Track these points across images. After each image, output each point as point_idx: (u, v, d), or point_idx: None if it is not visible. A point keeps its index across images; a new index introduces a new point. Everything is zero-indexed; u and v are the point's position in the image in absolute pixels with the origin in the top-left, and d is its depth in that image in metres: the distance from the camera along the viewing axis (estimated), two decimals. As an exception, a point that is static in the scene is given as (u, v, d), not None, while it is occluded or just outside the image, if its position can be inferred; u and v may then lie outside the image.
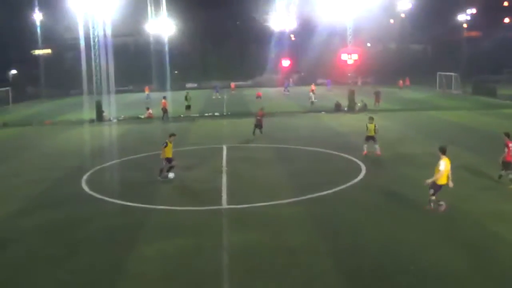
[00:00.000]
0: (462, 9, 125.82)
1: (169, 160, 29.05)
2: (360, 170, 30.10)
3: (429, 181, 21.32)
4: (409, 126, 48.75)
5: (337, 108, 63.43)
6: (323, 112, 61.66)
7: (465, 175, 27.62)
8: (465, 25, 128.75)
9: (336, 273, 16.31)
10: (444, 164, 21.08)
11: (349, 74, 68.28)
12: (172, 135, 29.96)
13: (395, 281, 15.75)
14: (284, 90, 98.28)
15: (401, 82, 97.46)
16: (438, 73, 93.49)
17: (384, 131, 44.69)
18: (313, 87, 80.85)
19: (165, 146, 28.90)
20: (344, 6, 65.42)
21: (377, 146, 34.94)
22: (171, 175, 28.89)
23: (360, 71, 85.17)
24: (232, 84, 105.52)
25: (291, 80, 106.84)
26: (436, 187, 21.35)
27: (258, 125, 43.00)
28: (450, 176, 21.37)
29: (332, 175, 29.07)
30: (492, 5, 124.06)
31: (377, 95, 66.59)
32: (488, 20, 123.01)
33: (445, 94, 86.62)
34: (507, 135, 26.33)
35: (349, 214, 22.24)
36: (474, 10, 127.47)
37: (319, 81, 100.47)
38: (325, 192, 25.38)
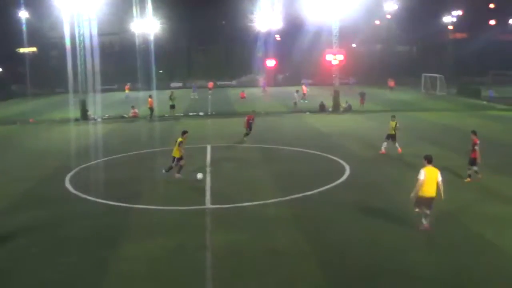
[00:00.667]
0: (448, 11, 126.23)
1: (174, 159, 28.85)
2: (344, 170, 30.27)
3: (412, 195, 19.62)
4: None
5: (322, 108, 63.60)
6: (307, 113, 61.79)
7: (450, 176, 27.75)
8: (451, 27, 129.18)
9: (320, 274, 16.43)
10: (423, 173, 19.30)
11: (333, 75, 68.29)
12: (185, 132, 29.71)
13: (379, 282, 15.89)
14: (263, 91, 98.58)
15: (392, 83, 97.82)
16: (423, 74, 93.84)
17: (369, 132, 45.18)
18: (304, 88, 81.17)
19: (180, 145, 28.65)
20: (330, 7, 65.40)
21: (397, 145, 35.68)
22: (200, 175, 28.30)
23: (344, 72, 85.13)
24: (210, 84, 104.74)
25: (262, 79, 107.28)
26: (417, 200, 19.59)
27: (248, 128, 42.37)
28: (441, 188, 19.42)
29: (316, 175, 29.21)
30: (478, 7, 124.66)
31: (362, 96, 66.88)
32: (474, 21, 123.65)
33: (429, 95, 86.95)
34: (475, 133, 27.13)
35: (333, 214, 22.34)
36: (460, 12, 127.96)
37: (304, 81, 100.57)
38: (309, 192, 25.50)
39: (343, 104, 64.10)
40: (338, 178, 28.34)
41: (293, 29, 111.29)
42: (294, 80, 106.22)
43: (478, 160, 26.95)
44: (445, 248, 18.08)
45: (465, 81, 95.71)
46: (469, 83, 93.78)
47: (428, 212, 19.56)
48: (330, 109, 63.61)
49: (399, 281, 15.88)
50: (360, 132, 46.15)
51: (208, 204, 23.92)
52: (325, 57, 70.31)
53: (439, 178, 19.38)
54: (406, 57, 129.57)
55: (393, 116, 36.93)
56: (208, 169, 31.01)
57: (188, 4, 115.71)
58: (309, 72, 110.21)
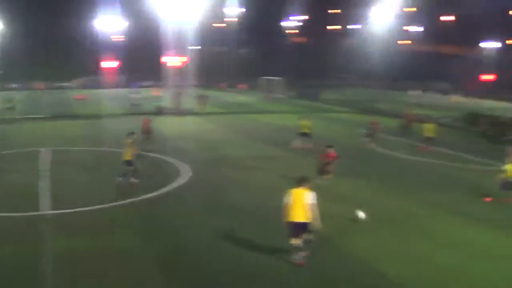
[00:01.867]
0: (292, 16, 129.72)
1: (130, 163, 27.66)
2: (185, 172, 30.51)
3: (283, 220, 17.35)
4: (233, 129, 49.84)
5: (160, 110, 63.16)
6: (145, 115, 60.91)
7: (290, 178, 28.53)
8: (294, 31, 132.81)
9: (163, 276, 16.49)
10: (287, 196, 17.22)
11: (175, 77, 68.45)
12: (132, 133, 28.73)
13: (219, 282, 16.12)
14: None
15: (242, 85, 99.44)
16: (262, 77, 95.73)
17: (209, 134, 45.58)
18: (156, 90, 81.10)
19: (130, 146, 27.53)
20: (174, 9, 65.37)
21: (308, 141, 38.07)
22: (361, 214, 24.65)
23: (186, 74, 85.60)
24: (39, 85, 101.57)
25: (79, 81, 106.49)
26: (287, 226, 17.29)
27: (146, 133, 41.29)
28: (314, 213, 16.93)
29: (157, 178, 29.19)
30: (321, 13, 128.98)
31: (203, 98, 67.47)
32: (316, 27, 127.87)
33: (269, 98, 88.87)
34: (329, 147, 27.78)
35: (174, 216, 22.54)
36: (303, 17, 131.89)
37: (135, 84, 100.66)
38: (150, 195, 25.49)
39: (184, 106, 64.20)
40: (179, 181, 28.53)
41: (137, 30, 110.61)
42: (136, 81, 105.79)
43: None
44: (288, 248, 17.79)
45: (305, 84, 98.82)
46: (309, 86, 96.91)
47: (303, 241, 17.04)
48: (171, 111, 63.48)
49: (242, 281, 16.16)
50: (200, 134, 46.52)
51: (47, 210, 23.20)
52: (167, 58, 70.37)
53: (308, 201, 16.92)
54: (249, 60, 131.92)
55: (304, 117, 40.15)
56: (46, 173, 30.12)
57: (29, 3, 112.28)
58: (152, 74, 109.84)
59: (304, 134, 39.01)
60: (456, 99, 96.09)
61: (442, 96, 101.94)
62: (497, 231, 21.10)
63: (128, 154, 27.62)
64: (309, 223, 16.85)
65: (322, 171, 27.53)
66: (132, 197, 25.00)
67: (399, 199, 25.87)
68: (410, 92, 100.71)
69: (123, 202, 24.36)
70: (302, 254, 17.05)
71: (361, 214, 21.76)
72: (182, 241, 19.37)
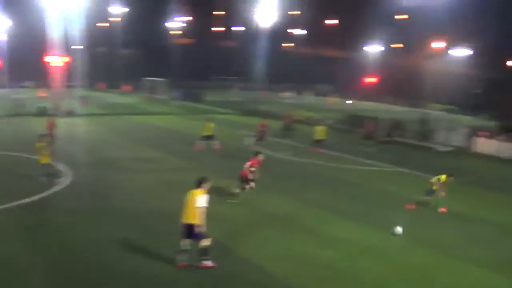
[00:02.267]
0: (176, 16, 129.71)
1: (49, 166, 27.48)
2: (66, 175, 29.98)
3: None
4: (115, 131, 49.95)
5: (42, 111, 62.21)
6: (28, 116, 60.12)
7: (180, 181, 29.24)
8: (178, 32, 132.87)
9: (46, 286, 16.07)
10: (186, 197, 17.32)
11: (56, 77, 67.79)
12: (43, 135, 28.28)
13: (107, 285, 16.19)
14: None
15: (128, 87, 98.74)
16: (144, 78, 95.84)
17: (90, 136, 45.53)
18: (42, 91, 79.66)
19: (45, 150, 27.19)
20: (58, 7, 64.74)
21: (216, 142, 39.33)
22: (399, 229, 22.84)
23: (69, 75, 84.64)
24: None
25: None
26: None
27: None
28: (199, 215, 16.85)
29: (35, 181, 27.58)
30: (204, 14, 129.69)
31: (84, 99, 67.25)
32: (200, 28, 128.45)
33: (151, 99, 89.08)
34: (258, 153, 27.20)
35: (56, 221, 22.04)
36: (189, 18, 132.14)
37: (27, 83, 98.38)
38: (29, 199, 24.71)
39: (66, 107, 63.70)
40: (60, 184, 28.01)
41: (22, 29, 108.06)
42: (19, 81, 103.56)
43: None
44: (175, 249, 17.79)
45: (188, 85, 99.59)
46: (192, 87, 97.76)
47: (201, 250, 17.28)
48: (53, 113, 62.73)
49: (130, 285, 16.32)
50: (81, 135, 46.22)
51: None
52: (50, 58, 69.59)
53: (198, 204, 16.88)
54: (133, 61, 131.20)
55: (209, 119, 41.54)
56: None
57: None
58: (35, 73, 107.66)
59: (208, 137, 40.05)
60: (333, 100, 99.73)
61: (318, 98, 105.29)
62: (378, 229, 22.55)
63: (44, 158, 27.64)
64: (197, 225, 16.81)
65: (246, 179, 26.13)
66: (11, 202, 23.99)
67: (285, 200, 26.89)
68: (281, 94, 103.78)
69: (1, 206, 23.40)
70: (208, 264, 17.29)
71: (399, 229, 21.86)
72: (68, 247, 18.99)
